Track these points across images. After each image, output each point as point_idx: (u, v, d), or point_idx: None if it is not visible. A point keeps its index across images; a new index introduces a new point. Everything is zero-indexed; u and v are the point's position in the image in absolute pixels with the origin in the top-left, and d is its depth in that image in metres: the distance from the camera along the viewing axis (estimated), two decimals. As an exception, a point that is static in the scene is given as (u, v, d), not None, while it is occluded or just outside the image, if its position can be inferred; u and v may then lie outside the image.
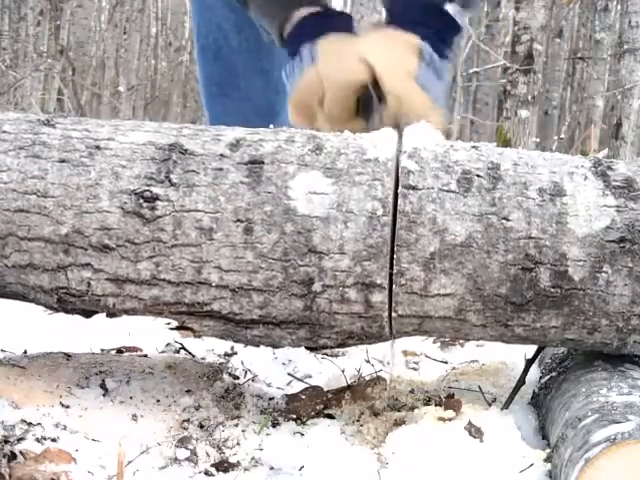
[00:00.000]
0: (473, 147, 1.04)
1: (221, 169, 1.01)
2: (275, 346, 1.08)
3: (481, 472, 0.92)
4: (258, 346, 1.09)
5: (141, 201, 1.00)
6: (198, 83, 2.01)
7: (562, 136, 9.77)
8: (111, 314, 1.07)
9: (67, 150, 1.03)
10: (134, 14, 11.88)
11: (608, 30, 7.75)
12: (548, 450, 0.95)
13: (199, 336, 1.17)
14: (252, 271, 0.99)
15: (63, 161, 1.02)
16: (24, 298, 1.08)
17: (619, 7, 7.96)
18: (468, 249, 0.98)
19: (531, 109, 5.40)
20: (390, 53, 1.37)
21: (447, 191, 0.99)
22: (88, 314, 1.12)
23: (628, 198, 0.99)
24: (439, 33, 1.40)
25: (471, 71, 9.26)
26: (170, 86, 12.56)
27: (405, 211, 0.98)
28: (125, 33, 11.62)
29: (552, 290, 0.98)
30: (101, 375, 1.12)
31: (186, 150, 1.02)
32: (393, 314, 1.01)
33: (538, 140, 7.42)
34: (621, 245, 0.97)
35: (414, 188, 0.99)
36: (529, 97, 5.34)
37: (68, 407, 1.02)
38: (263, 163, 1.01)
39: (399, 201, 0.99)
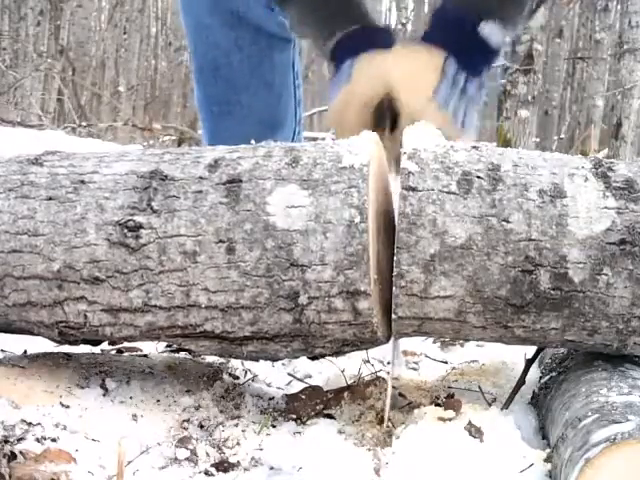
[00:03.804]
0: (473, 147, 1.04)
1: (200, 191, 1.02)
2: (273, 359, 1.10)
3: (481, 472, 0.92)
4: (257, 361, 1.11)
5: (125, 231, 1.02)
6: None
7: (562, 136, 9.77)
8: (111, 342, 1.09)
9: (53, 187, 1.06)
10: (134, 14, 11.88)
11: (608, 30, 7.74)
12: (548, 450, 0.95)
13: (198, 355, 1.17)
14: (238, 290, 1.01)
15: (50, 199, 1.05)
16: (30, 333, 1.11)
17: (619, 7, 7.96)
18: (468, 251, 0.98)
19: (531, 109, 5.40)
20: (410, 69, 1.39)
21: (447, 192, 0.99)
22: (93, 343, 1.14)
23: (629, 200, 0.99)
24: (471, 52, 1.40)
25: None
26: (170, 86, 12.55)
27: (405, 213, 0.99)
28: (125, 33, 11.62)
29: (552, 292, 0.98)
30: (101, 375, 1.12)
31: (166, 176, 1.04)
32: (393, 316, 1.01)
33: (538, 140, 7.42)
34: (621, 247, 0.97)
35: (414, 189, 0.99)
36: (529, 97, 5.34)
37: (68, 407, 1.02)
38: (241, 181, 1.02)
39: (399, 203, 0.99)
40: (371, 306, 1.00)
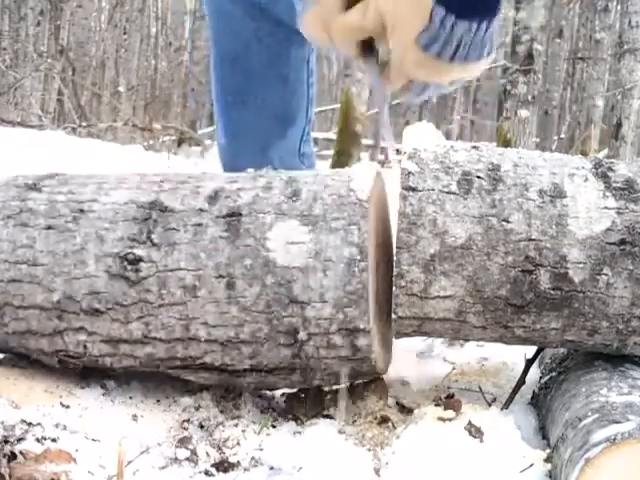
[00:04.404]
0: (473, 147, 1.04)
1: (200, 224, 1.02)
2: (271, 389, 1.12)
3: (481, 472, 0.92)
4: (257, 390, 1.11)
5: (125, 264, 1.02)
6: (211, 92, 1.99)
7: (562, 136, 9.77)
8: (111, 371, 1.09)
9: (52, 216, 1.06)
10: (134, 14, 11.88)
11: (608, 30, 7.75)
12: (548, 450, 0.95)
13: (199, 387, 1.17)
14: (238, 325, 1.01)
15: (49, 227, 1.05)
16: (30, 358, 1.11)
17: (619, 7, 7.96)
18: (468, 251, 0.98)
19: (531, 109, 5.40)
20: (398, 11, 1.38)
21: (447, 192, 0.99)
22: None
23: (629, 200, 0.99)
24: None
25: (471, 71, 9.24)
26: (170, 86, 12.56)
27: (405, 213, 0.99)
28: (125, 33, 11.61)
29: (552, 292, 0.98)
30: (101, 375, 1.12)
31: (166, 207, 1.04)
32: (393, 315, 1.02)
33: (538, 140, 7.42)
34: (621, 247, 0.97)
35: (414, 189, 0.99)
36: (529, 97, 5.34)
37: (68, 407, 1.02)
38: (241, 215, 1.02)
39: (400, 203, 0.99)
40: (370, 343, 1.01)
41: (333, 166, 5.50)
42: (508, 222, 0.98)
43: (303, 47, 1.89)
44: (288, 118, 1.91)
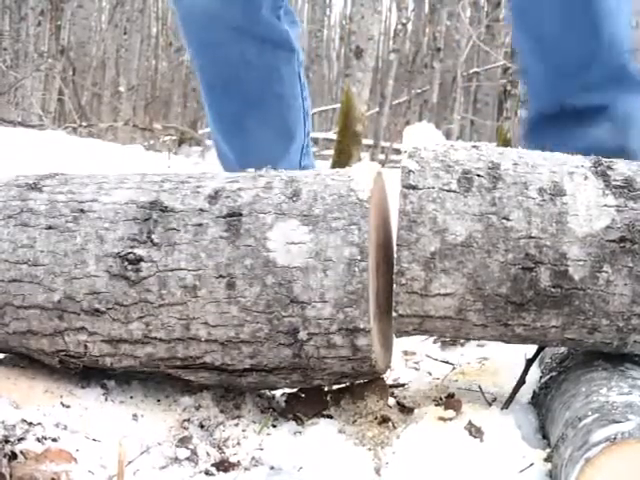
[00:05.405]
0: (473, 147, 1.04)
1: (201, 224, 1.03)
2: (272, 389, 1.12)
3: (481, 472, 0.92)
4: (258, 390, 1.11)
5: (126, 264, 1.02)
6: (208, 123, 1.98)
7: (562, 136, 9.75)
8: (111, 371, 1.10)
9: (53, 216, 1.06)
10: (134, 14, 11.88)
11: (608, 30, 7.73)
12: (548, 450, 0.95)
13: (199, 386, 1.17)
14: (238, 325, 1.02)
15: (50, 227, 1.05)
16: (31, 358, 1.11)
17: (619, 7, 7.94)
18: (468, 249, 0.98)
19: (531, 109, 5.39)
20: None
21: (447, 191, 0.99)
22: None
23: (628, 198, 0.99)
24: None
25: (471, 71, 9.26)
26: (170, 86, 12.56)
27: (406, 211, 0.99)
28: (125, 33, 11.61)
29: (552, 290, 0.98)
30: (101, 375, 1.12)
31: (166, 207, 1.04)
32: (393, 314, 1.02)
33: (538, 140, 7.40)
34: (621, 245, 0.97)
35: (414, 187, 0.99)
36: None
37: (69, 407, 1.02)
38: (241, 215, 1.02)
39: (400, 201, 0.99)
40: (370, 343, 1.01)
41: (333, 166, 5.50)
42: (508, 220, 0.98)
43: (292, 62, 1.88)
44: (289, 135, 1.91)
